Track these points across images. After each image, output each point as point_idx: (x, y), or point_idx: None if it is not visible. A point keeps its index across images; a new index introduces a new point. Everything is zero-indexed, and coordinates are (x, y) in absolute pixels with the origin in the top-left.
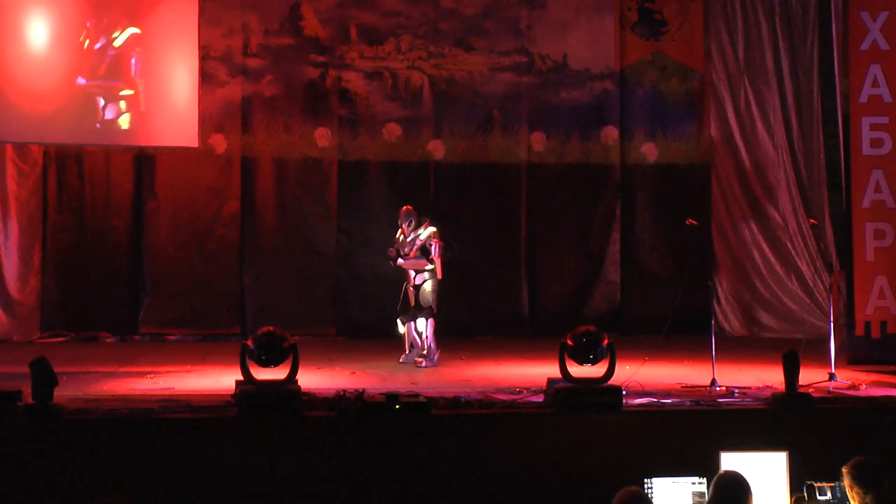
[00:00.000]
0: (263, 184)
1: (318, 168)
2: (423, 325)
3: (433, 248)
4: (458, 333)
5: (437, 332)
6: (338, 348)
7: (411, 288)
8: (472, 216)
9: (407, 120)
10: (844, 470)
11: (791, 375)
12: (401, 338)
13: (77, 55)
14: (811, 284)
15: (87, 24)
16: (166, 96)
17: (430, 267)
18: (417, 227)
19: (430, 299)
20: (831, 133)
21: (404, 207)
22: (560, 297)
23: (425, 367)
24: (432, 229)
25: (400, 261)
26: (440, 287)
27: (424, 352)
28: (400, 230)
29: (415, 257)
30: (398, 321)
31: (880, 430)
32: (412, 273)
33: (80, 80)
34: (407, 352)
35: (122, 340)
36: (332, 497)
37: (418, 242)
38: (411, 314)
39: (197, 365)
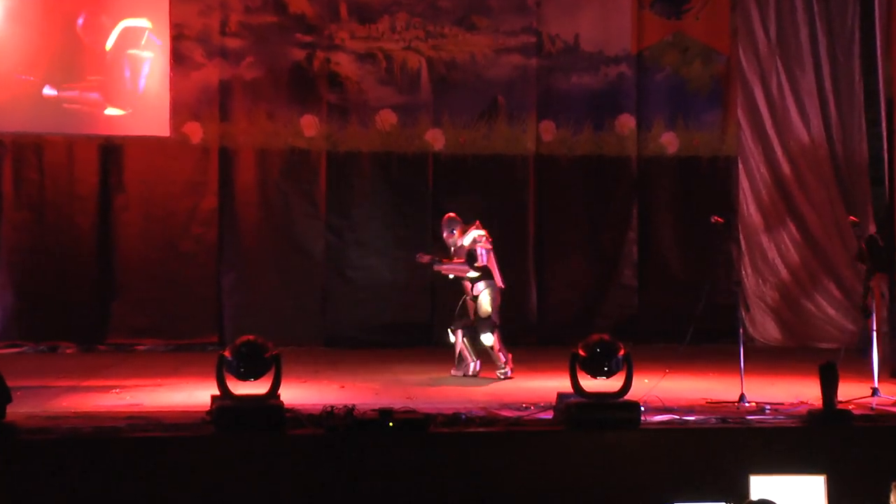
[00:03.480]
0: (244, 177)
1: (304, 160)
2: (490, 340)
3: (481, 254)
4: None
5: (433, 341)
6: (326, 360)
7: (469, 300)
8: (475, 213)
9: (402, 107)
10: (894, 484)
11: (829, 390)
12: (451, 347)
13: (36, 33)
14: (851, 288)
15: None
16: (135, 80)
17: (473, 274)
18: (464, 232)
19: (490, 310)
20: (873, 120)
21: (446, 215)
22: (571, 303)
23: (511, 376)
24: (478, 233)
25: (436, 266)
26: (501, 296)
27: (502, 363)
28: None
29: (459, 263)
30: (449, 329)
31: None
32: (469, 283)
33: (39, 62)
34: (457, 364)
35: (86, 351)
36: None
37: (464, 249)
38: (463, 324)
39: (169, 378)
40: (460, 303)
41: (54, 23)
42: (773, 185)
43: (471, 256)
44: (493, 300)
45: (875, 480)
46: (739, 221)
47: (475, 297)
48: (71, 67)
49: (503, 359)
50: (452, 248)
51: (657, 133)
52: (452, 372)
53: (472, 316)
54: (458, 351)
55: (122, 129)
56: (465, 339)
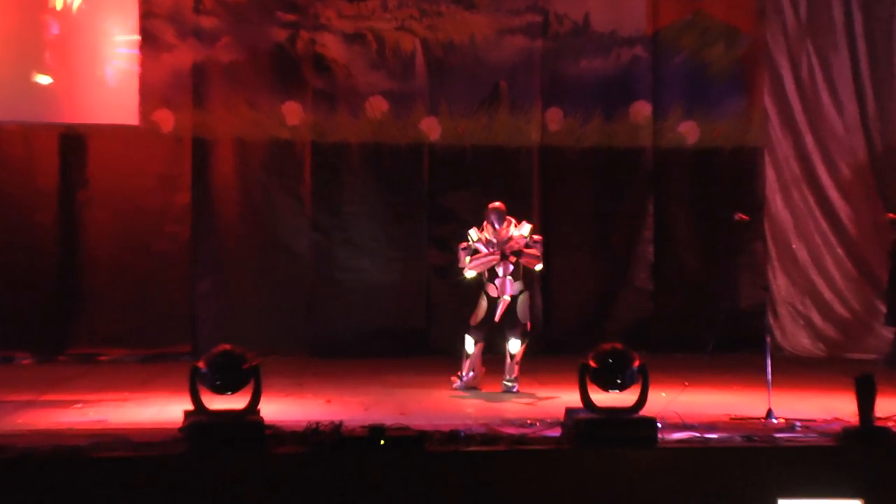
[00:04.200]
0: (221, 170)
1: (287, 151)
2: (518, 348)
3: (536, 248)
4: (453, 352)
5: (430, 350)
6: (311, 371)
7: (506, 298)
8: (474, 210)
9: (395, 94)
10: None
11: (866, 405)
12: (461, 357)
13: None
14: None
15: None
16: (100, 63)
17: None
18: (511, 224)
19: (527, 315)
20: None
21: (496, 205)
22: (580, 308)
23: (516, 391)
24: (529, 226)
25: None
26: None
27: (514, 376)
28: (482, 232)
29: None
30: (469, 337)
31: None
32: (508, 281)
33: None
34: (464, 375)
35: (45, 362)
36: None
37: (515, 244)
38: (487, 330)
39: (137, 392)
40: (488, 306)
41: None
42: (803, 178)
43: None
44: (528, 304)
45: None
46: (766, 219)
47: (514, 298)
48: (27, 48)
49: (517, 371)
50: (494, 241)
51: (675, 122)
52: (457, 385)
53: (496, 319)
54: (472, 360)
55: (85, 116)
56: (478, 347)
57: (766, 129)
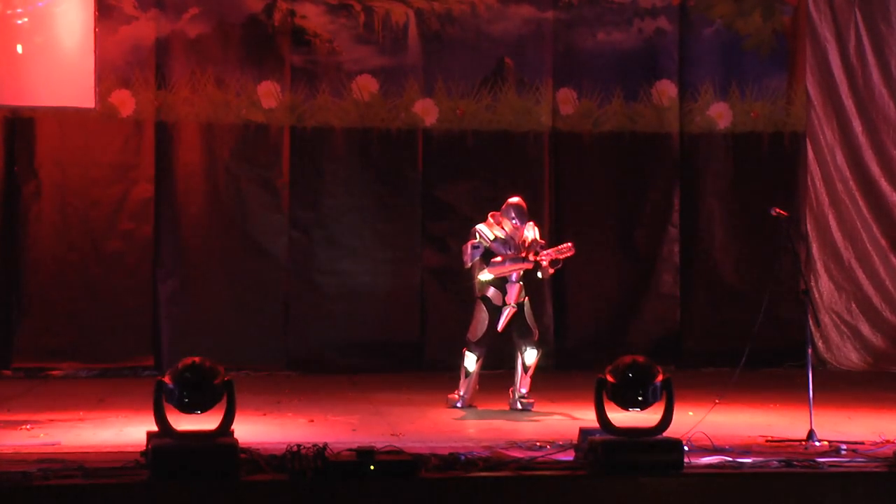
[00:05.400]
0: (186, 159)
1: (262, 137)
2: (535, 357)
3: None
4: (451, 366)
5: (425, 364)
6: (290, 387)
7: (513, 307)
8: (475, 203)
9: (386, 71)
10: None
11: None
12: (461, 374)
13: None
14: None
15: None
16: (49, 37)
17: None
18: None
19: (534, 322)
20: None
21: (516, 200)
22: (596, 317)
23: (532, 409)
24: (537, 228)
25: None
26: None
27: (527, 391)
28: (493, 227)
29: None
30: (470, 353)
31: None
32: (517, 288)
33: None
34: (464, 395)
35: None
36: None
37: (534, 243)
38: (488, 342)
39: (93, 411)
40: (485, 315)
41: None
42: (850, 168)
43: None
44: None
45: None
46: (808, 214)
47: (520, 305)
48: None
49: (529, 385)
50: (516, 241)
51: (705, 103)
52: (456, 404)
53: (498, 329)
54: (472, 379)
55: (32, 98)
56: (478, 365)
57: (808, 112)
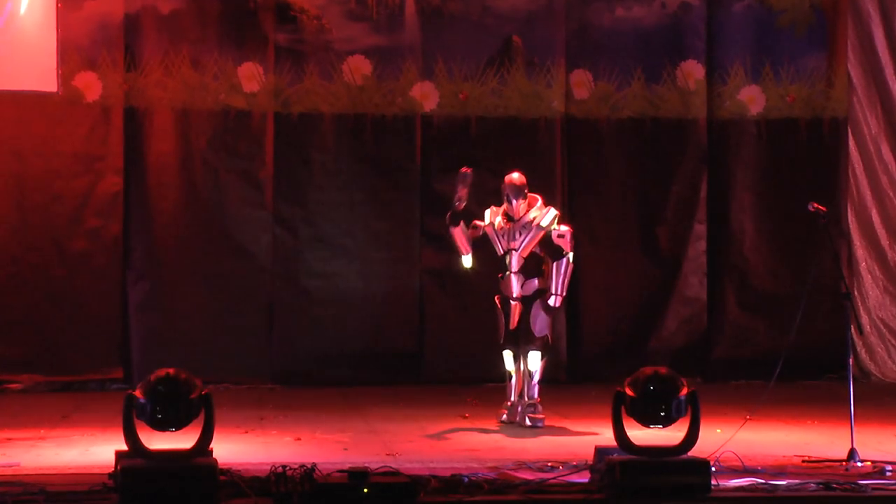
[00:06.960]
0: (160, 148)
1: (243, 125)
2: (537, 364)
3: (565, 237)
4: (457, 377)
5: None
6: (275, 402)
7: (516, 302)
8: (480, 196)
9: (381, 51)
10: None
11: None
12: (503, 379)
13: None
14: None
15: None
16: (6, 15)
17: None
18: (531, 206)
19: (545, 323)
20: None
21: (512, 177)
22: (614, 323)
23: (540, 426)
24: (555, 212)
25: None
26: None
27: (536, 401)
28: (498, 213)
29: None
30: (506, 354)
31: None
32: (514, 280)
33: None
34: (511, 401)
35: None
36: None
37: (536, 229)
38: (517, 343)
39: (55, 428)
40: (504, 315)
41: None
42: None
43: (549, 245)
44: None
45: None
46: (849, 210)
47: (526, 299)
48: None
49: (537, 395)
50: (516, 223)
51: (735, 86)
52: (504, 417)
53: (510, 327)
54: (514, 378)
55: None
56: (525, 367)
57: (849, 96)
